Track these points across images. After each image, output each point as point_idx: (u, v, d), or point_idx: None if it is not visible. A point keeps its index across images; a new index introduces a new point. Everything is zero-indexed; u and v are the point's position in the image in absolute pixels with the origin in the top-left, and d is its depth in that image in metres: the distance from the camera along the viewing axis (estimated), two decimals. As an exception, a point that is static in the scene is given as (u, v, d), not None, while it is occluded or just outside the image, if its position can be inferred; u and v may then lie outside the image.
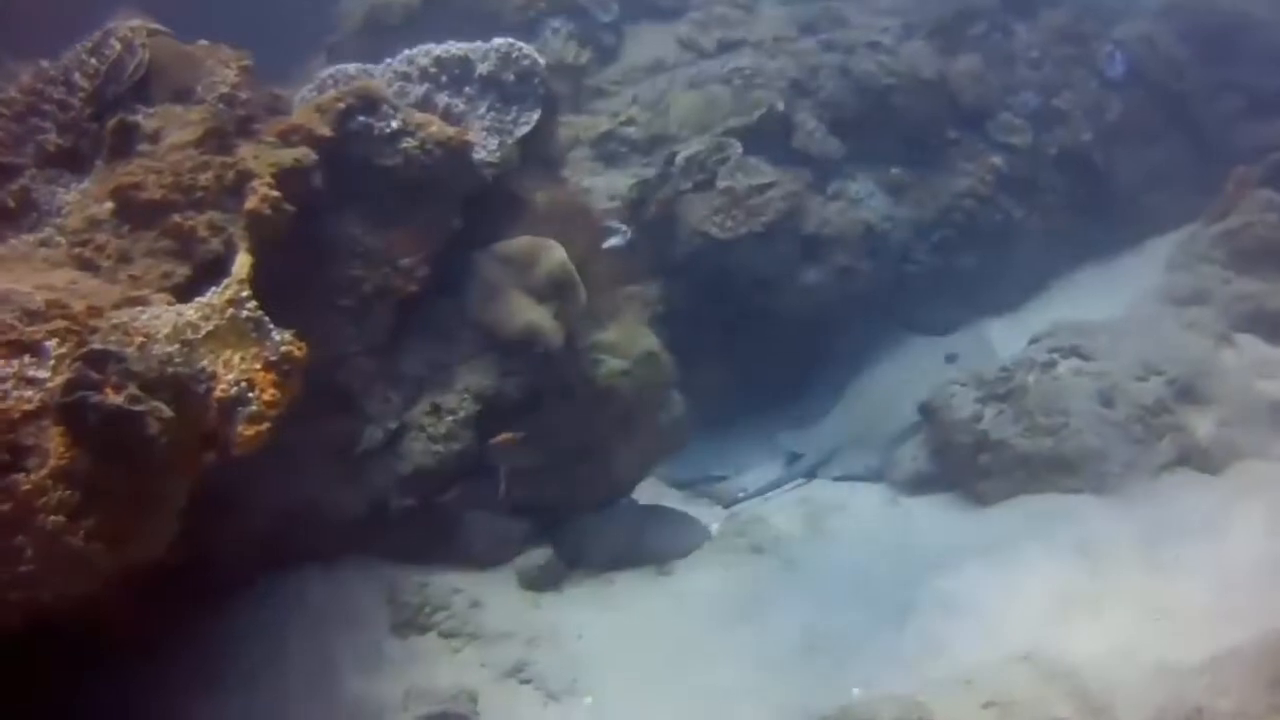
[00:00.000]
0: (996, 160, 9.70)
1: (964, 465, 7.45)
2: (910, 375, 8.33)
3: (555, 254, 6.47)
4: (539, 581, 6.48)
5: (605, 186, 8.57)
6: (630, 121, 9.04)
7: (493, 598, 6.27)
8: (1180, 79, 10.65)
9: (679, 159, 8.65)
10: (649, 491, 7.94)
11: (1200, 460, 7.11)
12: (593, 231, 6.99)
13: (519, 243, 6.56)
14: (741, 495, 8.01)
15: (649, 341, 6.85)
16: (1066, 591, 6.00)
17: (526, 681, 5.79)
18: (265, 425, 5.00)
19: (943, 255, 9.50)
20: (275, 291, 5.68)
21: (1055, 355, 7.66)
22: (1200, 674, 5.06)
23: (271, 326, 5.11)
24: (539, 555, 6.52)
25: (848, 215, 8.99)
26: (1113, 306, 8.89)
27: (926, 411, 7.71)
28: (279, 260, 5.77)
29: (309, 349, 6.02)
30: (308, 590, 6.12)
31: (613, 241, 8.25)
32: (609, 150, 8.98)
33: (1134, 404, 7.28)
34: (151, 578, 5.19)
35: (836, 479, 8.16)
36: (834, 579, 6.47)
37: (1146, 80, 10.64)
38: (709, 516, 7.59)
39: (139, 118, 5.96)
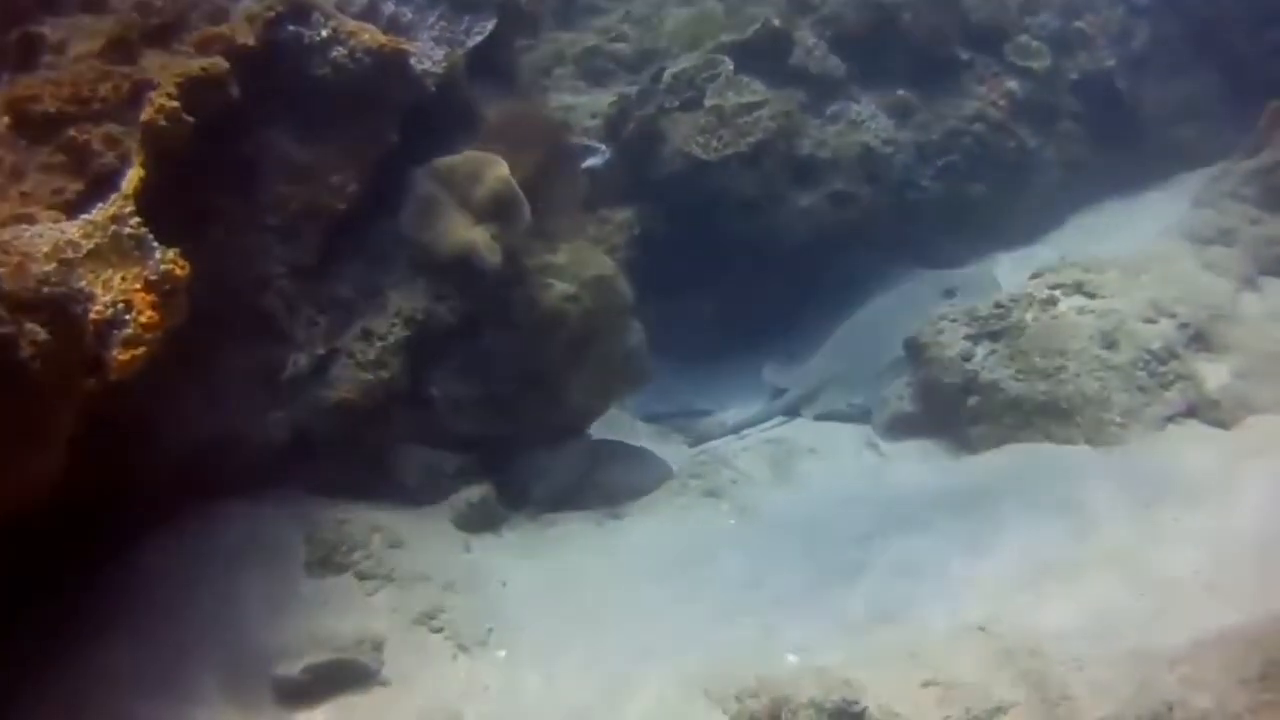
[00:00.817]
0: (1011, 84, 8.46)
1: (950, 408, 6.45)
2: (907, 309, 7.22)
3: (496, 170, 5.58)
4: (473, 521, 5.65)
5: (588, 104, 7.63)
6: (620, 38, 8.08)
7: (418, 537, 5.46)
8: (1216, 5, 9.24)
9: (666, 76, 7.64)
10: (619, 427, 7.12)
11: (1210, 413, 6.02)
12: (549, 148, 6.05)
13: (459, 158, 5.69)
14: (718, 433, 7.11)
15: (602, 265, 5.93)
16: (1043, 555, 5.07)
17: (438, 630, 4.97)
18: (142, 349, 4.35)
19: (949, 183, 8.34)
20: (195, 209, 5.13)
21: (1057, 292, 6.60)
22: (1178, 662, 4.12)
23: (155, 245, 4.44)
24: (473, 493, 5.68)
25: (847, 138, 7.91)
26: (1134, 244, 7.77)
27: (912, 348, 6.70)
28: (199, 176, 5.12)
29: (235, 269, 5.43)
30: (226, 525, 5.35)
31: (592, 162, 7.33)
32: (595, 67, 8.04)
33: (1140, 348, 6.21)
34: (62, 510, 4.53)
35: (819, 418, 7.19)
36: (789, 530, 5.56)
37: (1178, 5, 9.25)
38: (679, 455, 6.72)
39: (44, 29, 5.22)
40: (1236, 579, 4.78)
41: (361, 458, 5.70)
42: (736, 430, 7.10)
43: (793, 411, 7.28)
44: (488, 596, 5.18)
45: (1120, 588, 4.79)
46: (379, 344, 5.58)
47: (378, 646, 4.83)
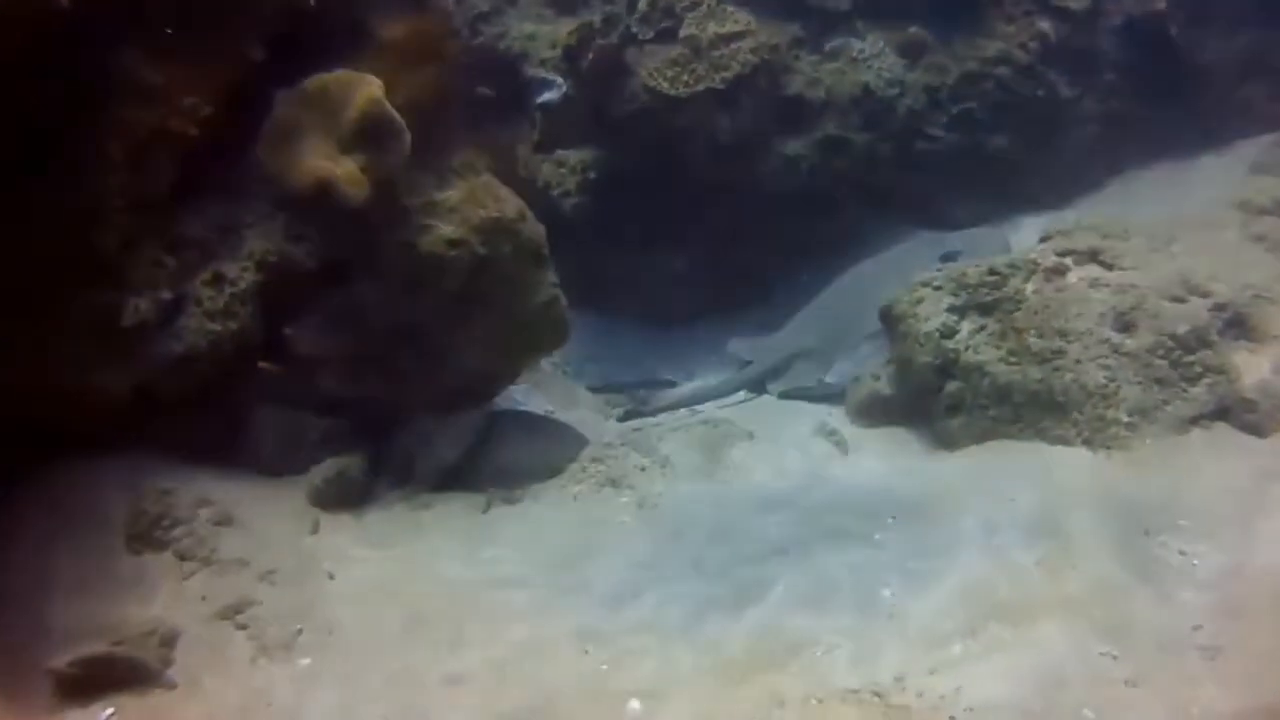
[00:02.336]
0: (1044, 24, 6.63)
1: (926, 393, 4.94)
2: (897, 274, 5.58)
3: (366, 91, 4.24)
4: (329, 498, 4.40)
5: (550, 34, 6.21)
6: (600, -38, 6.59)
7: (257, 514, 4.23)
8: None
9: (641, 3, 6.13)
10: (559, 394, 5.79)
11: (1244, 415, 4.45)
12: (448, 67, 4.68)
13: (329, 77, 4.35)
14: (654, 408, 5.68)
15: (504, 206, 4.53)
16: (997, 591, 3.61)
17: (243, 627, 3.79)
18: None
19: (965, 133, 6.61)
20: (25, 135, 4.00)
21: (1068, 259, 5.00)
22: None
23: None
24: (333, 466, 4.43)
25: (845, 77, 6.30)
26: (1179, 212, 6.07)
27: (888, 319, 5.19)
28: (31, 98, 3.95)
29: (70, 202, 4.18)
30: (52, 487, 4.21)
31: (546, 96, 5.98)
32: (568, -8, 6.57)
33: (1162, 332, 4.62)
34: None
35: (784, 396, 5.71)
36: (690, 533, 4.12)
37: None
38: (609, 432, 5.32)
39: None
40: (1246, 642, 3.31)
41: (215, 419, 4.51)
42: (687, 405, 5.67)
43: (759, 387, 5.82)
44: (310, 591, 3.93)
45: (1088, 644, 3.33)
46: (229, 290, 4.34)
47: (168, 642, 3.73)
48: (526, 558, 4.08)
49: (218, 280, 4.38)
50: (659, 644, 3.51)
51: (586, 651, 3.51)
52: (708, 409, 5.60)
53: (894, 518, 4.13)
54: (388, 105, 4.28)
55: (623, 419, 5.53)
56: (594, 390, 6.05)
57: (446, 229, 4.41)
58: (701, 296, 6.60)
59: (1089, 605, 3.52)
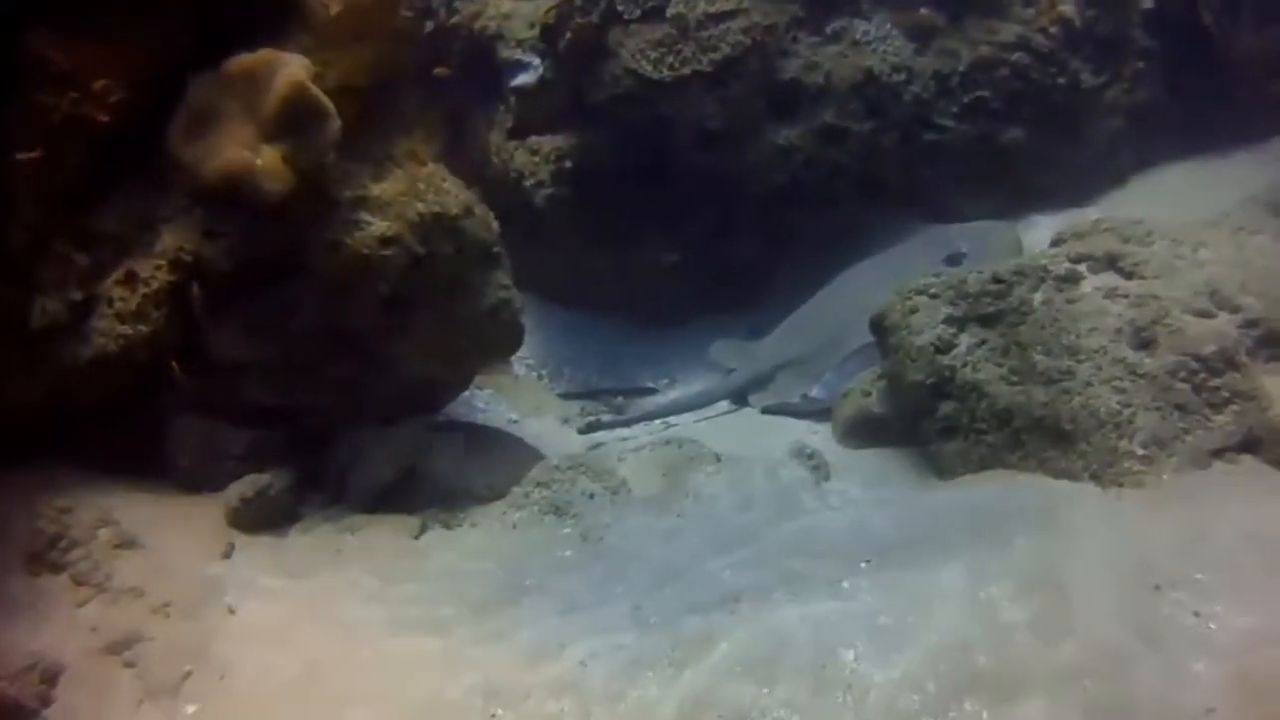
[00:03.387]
0: (1066, 8, 5.91)
1: (918, 414, 4.32)
2: (900, 277, 4.80)
3: (288, 72, 3.68)
4: (248, 519, 3.88)
5: (529, 12, 5.61)
6: (585, -62, 5.97)
7: (163, 536, 3.75)
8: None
9: (630, -20, 5.53)
10: (527, 401, 5.23)
11: (1275, 449, 3.77)
12: (393, 43, 4.13)
13: (253, 58, 3.79)
14: (606, 419, 5.07)
15: (446, 200, 3.96)
16: (977, 657, 2.99)
17: (131, 665, 3.34)
18: None
19: (977, 123, 5.89)
20: None
21: (1081, 266, 4.35)
22: None
23: None
24: (252, 484, 3.90)
25: (846, 61, 5.64)
26: (1209, 213, 5.37)
27: (878, 329, 4.56)
28: None
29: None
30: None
31: (521, 79, 5.39)
32: (545, -30, 5.97)
33: (1185, 350, 3.96)
34: None
35: (767, 411, 5.11)
36: (632, 575, 3.52)
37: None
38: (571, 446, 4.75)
39: None
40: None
41: (132, 429, 4.02)
42: (665, 415, 5.08)
43: (741, 398, 5.21)
44: (205, 626, 3.43)
45: (1069, 723, 2.74)
46: (142, 290, 3.83)
47: (49, 678, 3.31)
48: (448, 596, 3.52)
49: (130, 279, 3.88)
50: (578, 708, 2.95)
51: (494, 716, 2.97)
52: (684, 420, 5.03)
53: (868, 561, 3.53)
54: (313, 88, 3.73)
55: (584, 431, 4.95)
56: (569, 397, 5.49)
57: (379, 225, 3.85)
58: (687, 296, 5.99)
59: (1083, 678, 2.91)
